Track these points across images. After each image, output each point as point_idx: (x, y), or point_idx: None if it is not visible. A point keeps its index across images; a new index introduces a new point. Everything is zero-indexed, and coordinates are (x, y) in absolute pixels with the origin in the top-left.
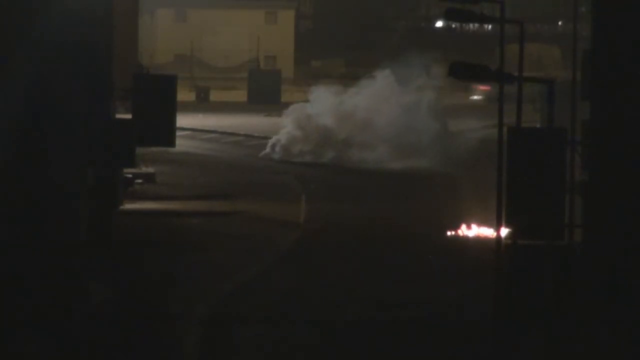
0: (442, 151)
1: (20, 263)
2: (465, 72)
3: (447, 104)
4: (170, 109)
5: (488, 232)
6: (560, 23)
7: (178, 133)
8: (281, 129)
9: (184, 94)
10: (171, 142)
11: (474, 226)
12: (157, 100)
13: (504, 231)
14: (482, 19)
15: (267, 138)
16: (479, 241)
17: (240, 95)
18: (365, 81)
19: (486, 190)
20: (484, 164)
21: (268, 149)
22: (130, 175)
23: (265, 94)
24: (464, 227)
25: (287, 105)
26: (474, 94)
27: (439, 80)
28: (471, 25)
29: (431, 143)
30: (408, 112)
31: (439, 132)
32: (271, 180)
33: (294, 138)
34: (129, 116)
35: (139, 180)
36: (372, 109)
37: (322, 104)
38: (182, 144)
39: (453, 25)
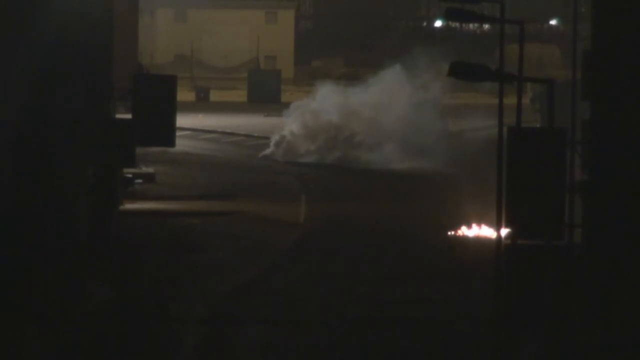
0: (446, 151)
1: (20, 263)
2: (465, 72)
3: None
4: (170, 109)
5: (488, 232)
6: (559, 23)
7: (178, 133)
8: (284, 127)
9: (184, 94)
10: (171, 142)
11: (474, 226)
12: (157, 100)
13: (504, 231)
14: (482, 19)
15: (266, 138)
16: (479, 241)
17: (240, 95)
18: (373, 78)
19: (487, 191)
20: (486, 164)
21: (272, 148)
22: (130, 175)
23: (265, 94)
24: (464, 227)
25: (287, 105)
26: None
27: (443, 79)
28: (471, 25)
29: (436, 142)
30: (416, 110)
31: (442, 131)
32: (272, 181)
33: (299, 136)
34: (129, 116)
35: (139, 180)
36: (381, 106)
37: (328, 100)
38: (182, 144)
39: (453, 25)
